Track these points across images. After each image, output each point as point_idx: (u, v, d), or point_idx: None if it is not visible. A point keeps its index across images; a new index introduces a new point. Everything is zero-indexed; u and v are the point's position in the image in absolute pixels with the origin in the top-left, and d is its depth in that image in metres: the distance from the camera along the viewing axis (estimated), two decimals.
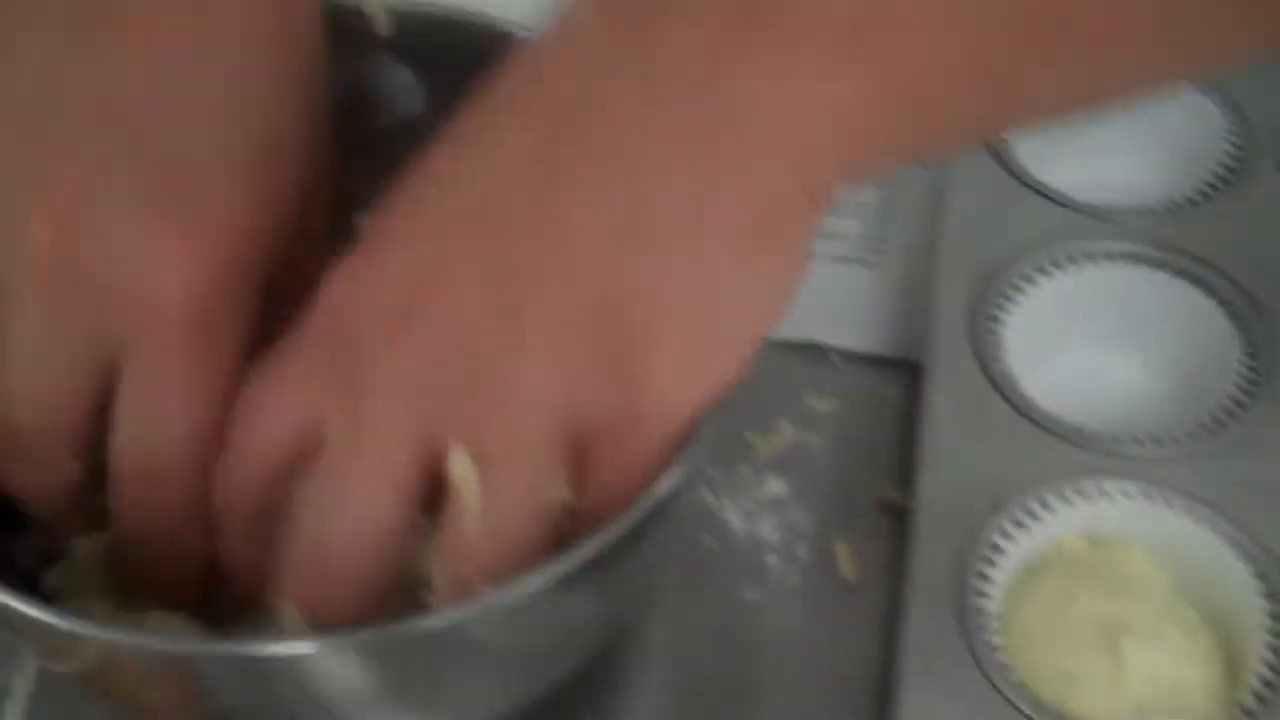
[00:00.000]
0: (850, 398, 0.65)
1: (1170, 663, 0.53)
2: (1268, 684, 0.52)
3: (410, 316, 0.38)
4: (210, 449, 0.42)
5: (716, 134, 0.37)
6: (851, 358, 0.67)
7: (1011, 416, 0.59)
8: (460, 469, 0.38)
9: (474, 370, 0.37)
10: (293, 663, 0.40)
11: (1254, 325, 0.62)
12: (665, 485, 0.41)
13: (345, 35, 0.51)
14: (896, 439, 0.62)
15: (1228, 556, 0.55)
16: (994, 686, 0.52)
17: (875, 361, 0.66)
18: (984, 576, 0.55)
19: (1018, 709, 0.51)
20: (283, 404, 0.40)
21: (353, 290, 0.39)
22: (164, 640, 0.43)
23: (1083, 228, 0.65)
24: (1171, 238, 0.65)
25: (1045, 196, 0.67)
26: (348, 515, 0.39)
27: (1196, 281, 0.64)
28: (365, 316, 0.38)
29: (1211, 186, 0.68)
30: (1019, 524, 0.56)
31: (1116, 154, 0.70)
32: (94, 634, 0.40)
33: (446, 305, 0.37)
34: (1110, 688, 0.52)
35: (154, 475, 0.43)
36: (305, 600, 0.40)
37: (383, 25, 0.53)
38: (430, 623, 0.39)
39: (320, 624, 0.40)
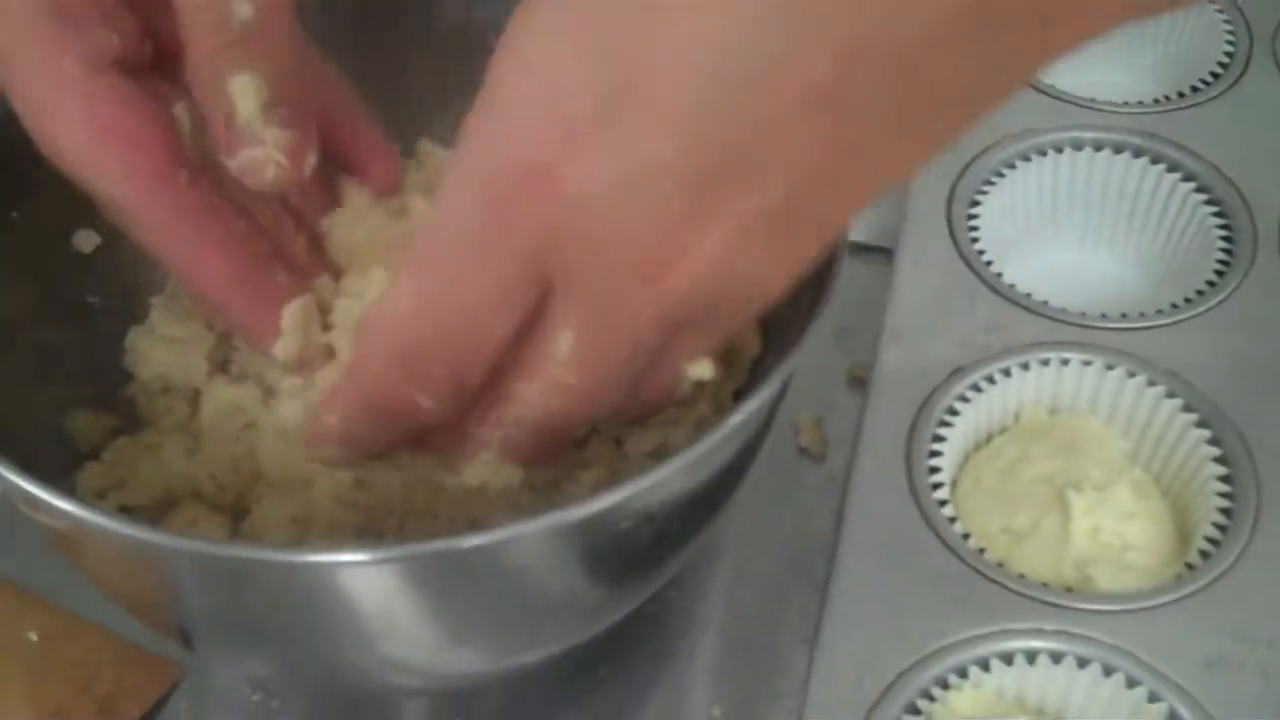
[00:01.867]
0: None
1: (1117, 519, 0.52)
2: (1214, 543, 0.52)
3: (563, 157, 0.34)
4: None
5: None
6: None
7: (978, 292, 0.59)
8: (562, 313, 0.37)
9: (611, 228, 0.35)
10: (270, 568, 0.39)
11: (1234, 212, 0.62)
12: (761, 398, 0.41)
13: None
14: (872, 323, 0.62)
15: (1184, 423, 0.55)
16: (938, 540, 0.52)
17: (856, 248, 0.66)
18: (938, 439, 0.55)
19: (964, 563, 0.51)
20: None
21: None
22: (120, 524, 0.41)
23: (1069, 119, 0.65)
24: (1156, 128, 0.65)
25: (1035, 89, 0.66)
26: (459, 310, 0.37)
27: (1177, 169, 0.63)
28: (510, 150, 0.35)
29: (1204, 83, 0.68)
30: (978, 390, 0.56)
31: (1111, 54, 0.70)
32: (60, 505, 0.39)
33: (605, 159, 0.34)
34: (1055, 544, 0.52)
35: None
36: (352, 423, 0.41)
37: None
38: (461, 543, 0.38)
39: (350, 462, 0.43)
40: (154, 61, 0.43)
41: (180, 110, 0.42)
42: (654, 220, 0.34)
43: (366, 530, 0.46)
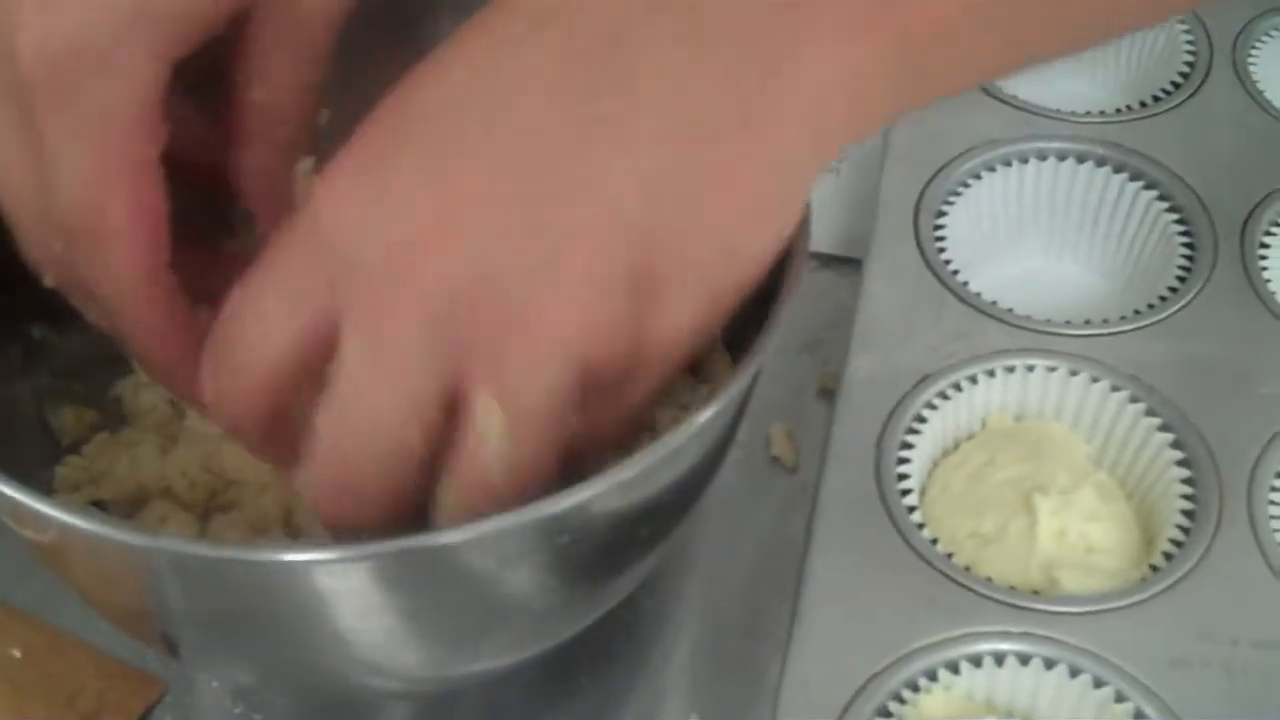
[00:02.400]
0: (801, 294, 0.66)
1: (1082, 522, 0.53)
2: (1178, 545, 0.53)
3: (435, 243, 0.36)
4: None
5: (750, 98, 0.38)
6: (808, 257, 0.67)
7: (945, 301, 0.60)
8: (485, 413, 0.38)
9: (502, 303, 0.37)
10: (259, 568, 0.40)
11: (1195, 219, 0.63)
12: (705, 414, 0.42)
13: None
14: (843, 333, 0.63)
15: (1147, 427, 0.56)
16: (906, 546, 0.53)
17: (828, 260, 0.68)
18: (907, 446, 0.56)
19: (932, 567, 0.52)
20: (289, 308, 0.39)
21: (368, 211, 0.37)
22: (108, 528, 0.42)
23: (1033, 129, 0.66)
24: (1119, 137, 0.66)
25: (999, 100, 0.68)
26: (371, 439, 0.38)
27: (1140, 178, 0.64)
28: (383, 239, 0.37)
29: (1166, 93, 0.69)
30: (945, 397, 0.57)
31: (1075, 65, 0.71)
32: (49, 512, 0.40)
33: (477, 234, 0.36)
34: (1022, 547, 0.53)
35: None
36: (328, 509, 0.40)
37: None
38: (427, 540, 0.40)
39: (340, 535, 0.41)
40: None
41: None
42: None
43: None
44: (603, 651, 0.56)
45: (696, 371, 0.52)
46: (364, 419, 0.38)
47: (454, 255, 0.36)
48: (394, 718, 0.55)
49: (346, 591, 0.42)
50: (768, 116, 0.38)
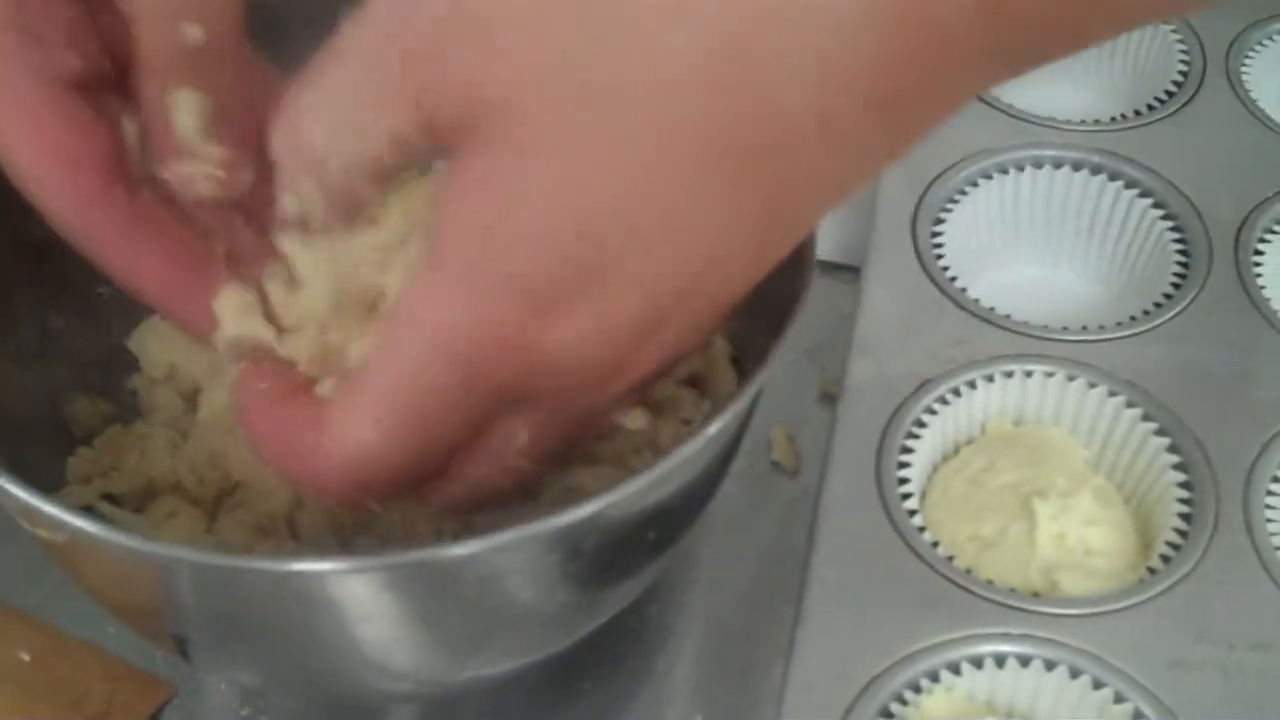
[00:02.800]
0: None
1: (1081, 526, 0.54)
2: (1175, 548, 0.53)
3: None
4: None
5: None
6: None
7: (943, 307, 0.61)
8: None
9: None
10: (273, 578, 0.41)
11: (1190, 226, 0.64)
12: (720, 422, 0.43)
13: None
14: (842, 339, 0.64)
15: (1144, 431, 0.56)
16: (907, 549, 0.53)
17: (827, 267, 0.68)
18: (907, 450, 0.56)
19: (933, 570, 0.53)
20: None
21: None
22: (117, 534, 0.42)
23: (1029, 137, 0.67)
24: (1113, 145, 0.67)
25: (995, 109, 0.68)
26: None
27: (1135, 185, 0.65)
28: None
29: (1160, 102, 0.69)
30: (945, 402, 0.58)
31: (1069, 74, 0.72)
32: (61, 517, 0.40)
33: None
34: (1021, 550, 0.54)
35: None
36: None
37: None
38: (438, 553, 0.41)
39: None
40: (113, 76, 0.44)
41: (128, 123, 0.43)
42: (612, 354, 0.37)
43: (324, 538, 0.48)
44: (607, 656, 0.56)
45: (700, 385, 0.52)
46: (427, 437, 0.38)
47: (548, 340, 0.36)
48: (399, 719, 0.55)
49: (356, 600, 0.42)
50: None
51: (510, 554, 0.41)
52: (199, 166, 0.43)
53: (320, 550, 0.49)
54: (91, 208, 0.42)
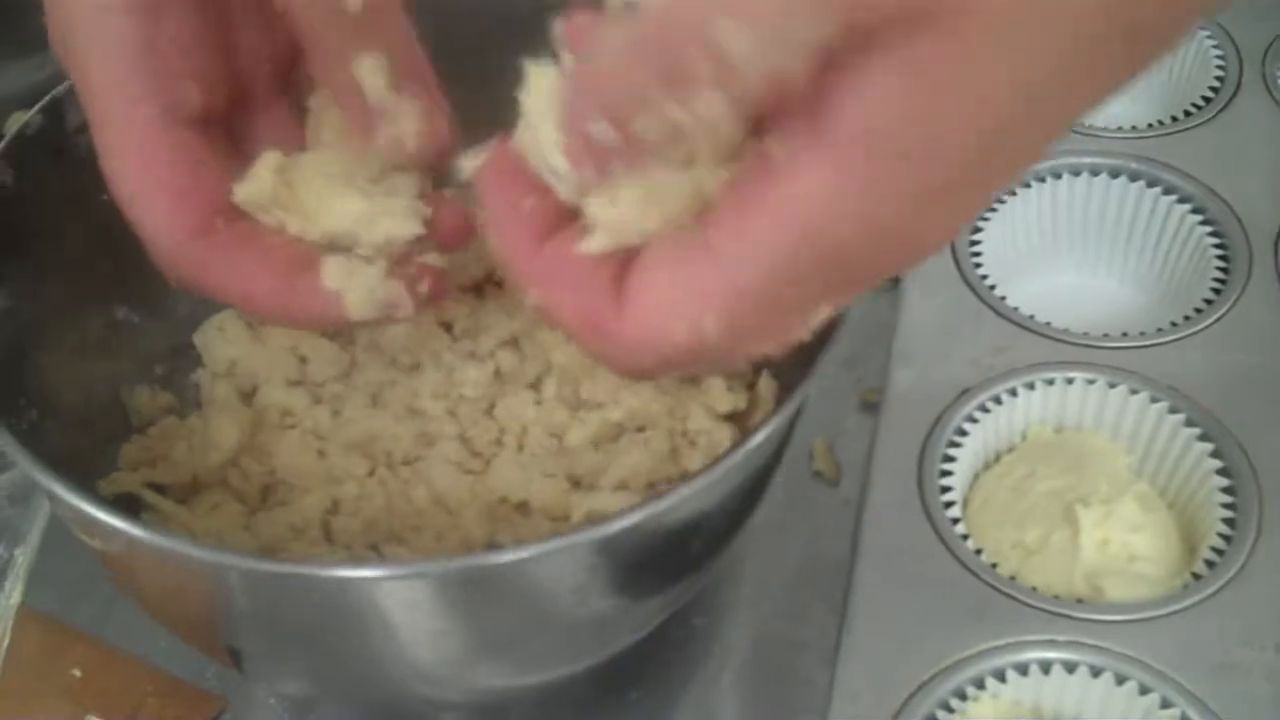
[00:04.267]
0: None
1: (1125, 532, 0.54)
2: (1219, 553, 0.53)
3: None
4: None
5: None
6: None
7: (983, 315, 0.61)
8: None
9: None
10: (331, 584, 0.41)
11: (1229, 231, 0.64)
12: (766, 431, 0.43)
13: None
14: (881, 349, 0.64)
15: (1186, 437, 0.56)
16: (951, 557, 0.53)
17: None
18: (949, 459, 0.56)
19: (977, 577, 0.53)
20: None
21: None
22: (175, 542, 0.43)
23: (1067, 145, 0.67)
24: (1151, 152, 0.67)
25: None
26: None
27: (1173, 191, 0.65)
28: None
29: (1196, 108, 0.70)
30: (985, 410, 0.58)
31: None
32: (122, 527, 0.41)
33: None
34: (1065, 557, 0.54)
35: None
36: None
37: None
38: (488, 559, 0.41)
39: None
40: (226, 111, 0.45)
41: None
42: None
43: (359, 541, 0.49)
44: (653, 666, 0.57)
45: (741, 423, 0.54)
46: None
47: None
48: None
49: (404, 606, 0.43)
50: None
51: (555, 562, 0.42)
52: (404, 123, 0.44)
53: (355, 555, 0.50)
54: (193, 240, 0.43)
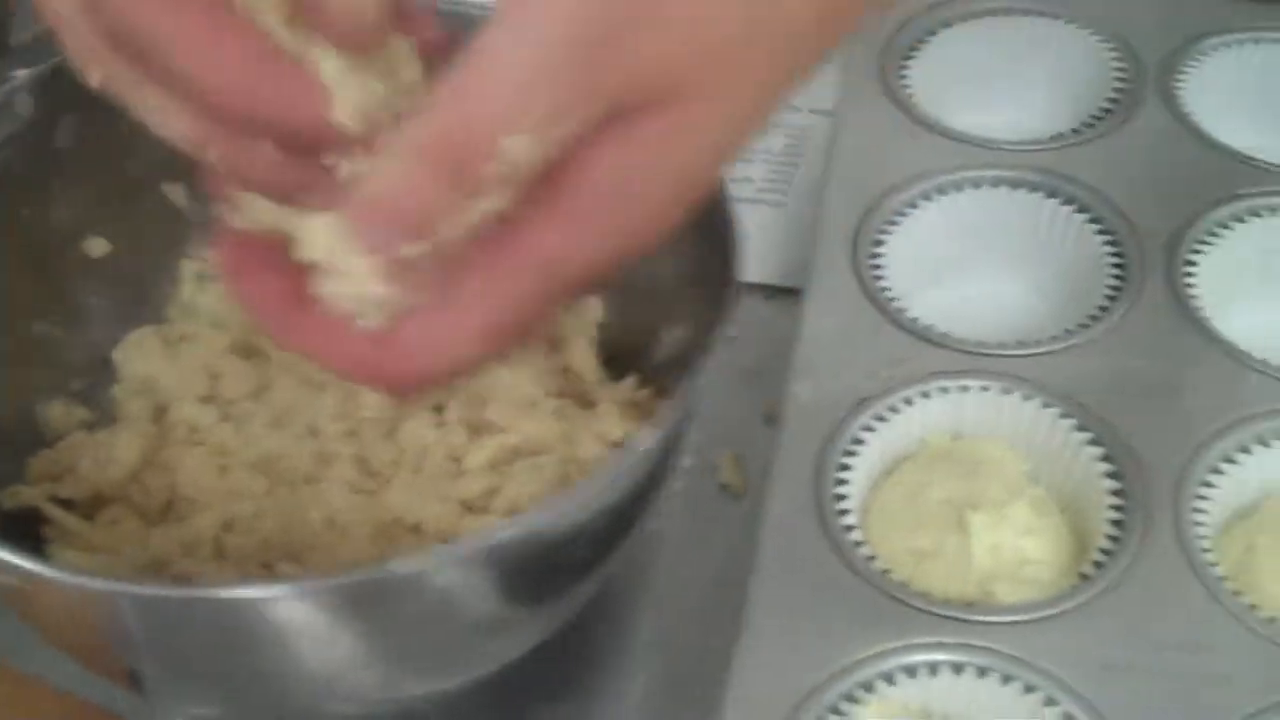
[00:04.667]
0: (747, 325, 0.69)
1: (1016, 536, 0.55)
2: (1108, 554, 0.54)
3: None
4: None
5: None
6: (751, 289, 0.70)
7: (881, 328, 0.62)
8: None
9: None
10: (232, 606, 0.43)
11: (1125, 240, 0.65)
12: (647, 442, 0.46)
13: None
14: (786, 362, 0.65)
15: (1078, 442, 0.57)
16: (845, 565, 0.54)
17: (773, 291, 0.70)
18: (846, 468, 0.57)
19: (869, 583, 0.54)
20: None
21: None
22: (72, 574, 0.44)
23: (967, 158, 0.68)
24: (1053, 164, 0.68)
25: (934, 131, 0.70)
26: None
27: (1072, 202, 0.66)
28: None
29: (1097, 119, 0.71)
30: (883, 420, 0.59)
31: (1006, 94, 0.74)
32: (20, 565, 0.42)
33: None
34: (957, 562, 0.55)
35: None
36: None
37: None
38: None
39: None
40: None
41: None
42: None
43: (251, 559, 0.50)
44: (557, 678, 0.57)
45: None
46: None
47: None
48: None
49: (284, 624, 0.44)
50: None
51: (443, 571, 0.43)
52: None
53: (244, 573, 0.51)
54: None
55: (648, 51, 0.35)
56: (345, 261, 0.37)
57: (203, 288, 0.62)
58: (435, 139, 0.35)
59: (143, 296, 0.61)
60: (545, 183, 0.37)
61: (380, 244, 0.36)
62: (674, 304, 0.56)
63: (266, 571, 0.51)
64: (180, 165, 0.60)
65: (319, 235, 0.37)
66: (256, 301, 0.41)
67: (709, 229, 0.51)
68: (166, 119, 0.41)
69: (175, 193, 0.61)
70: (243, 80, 0.38)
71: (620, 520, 0.48)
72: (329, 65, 0.39)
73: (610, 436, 0.54)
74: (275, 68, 0.38)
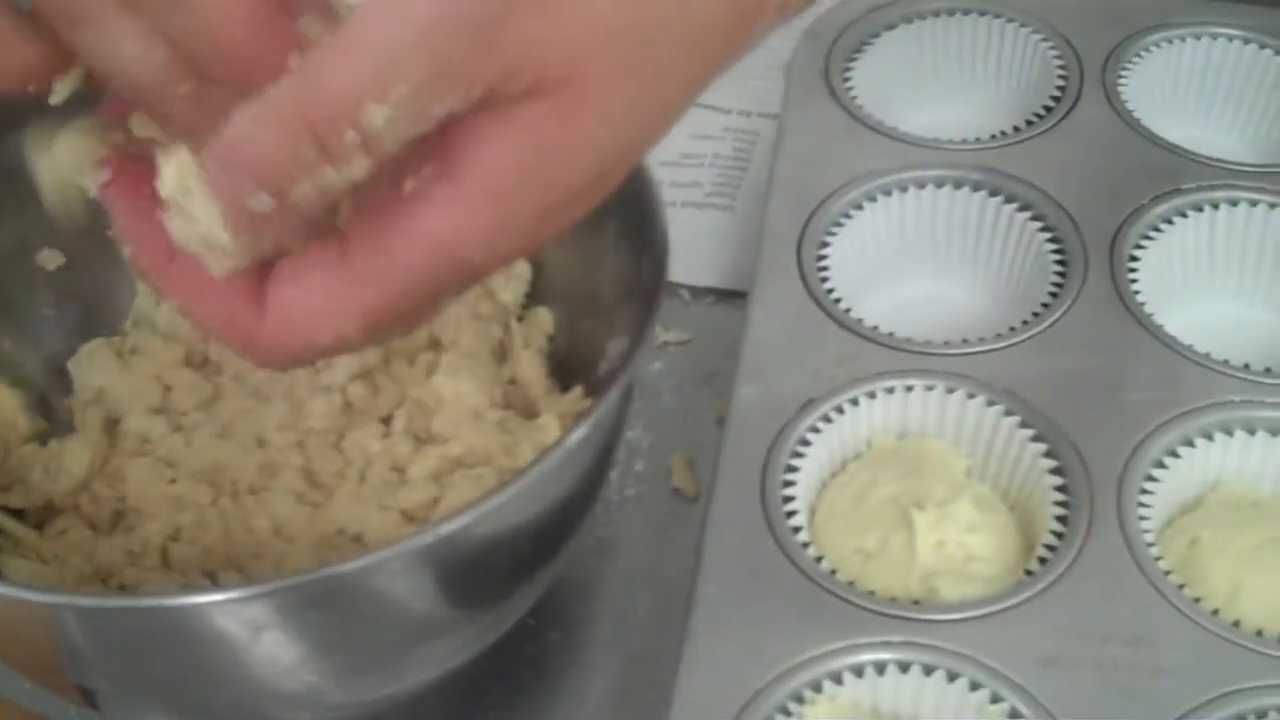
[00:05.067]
0: (700, 330, 0.69)
1: (960, 533, 0.56)
2: (1052, 550, 0.55)
3: None
4: None
5: None
6: (701, 293, 0.70)
7: (827, 329, 0.62)
8: None
9: None
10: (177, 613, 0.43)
11: (1067, 238, 0.65)
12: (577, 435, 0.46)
13: None
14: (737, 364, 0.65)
15: (1022, 438, 0.58)
16: (791, 565, 0.55)
17: (723, 295, 0.70)
18: (792, 469, 0.58)
19: (815, 583, 0.54)
20: None
21: None
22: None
23: (910, 159, 0.69)
24: (995, 163, 0.68)
25: (878, 132, 0.70)
26: None
27: (1015, 200, 0.67)
28: None
29: (1039, 117, 0.71)
30: (828, 420, 0.59)
31: (948, 94, 0.74)
32: None
33: None
34: (902, 561, 0.55)
35: None
36: None
37: None
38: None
39: None
40: None
41: None
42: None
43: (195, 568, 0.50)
44: (511, 683, 0.58)
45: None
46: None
47: None
48: None
49: (235, 629, 0.44)
50: None
51: (383, 569, 0.44)
52: None
53: (189, 582, 0.51)
54: None
55: (532, 37, 0.35)
56: (190, 202, 0.37)
57: (157, 301, 0.62)
58: (292, 98, 0.35)
59: (97, 309, 0.62)
60: (437, 163, 0.36)
61: (224, 188, 0.36)
62: (615, 314, 0.57)
63: (210, 580, 0.51)
64: None
65: (171, 170, 0.37)
66: (139, 239, 0.40)
67: (643, 236, 0.51)
68: (119, 55, 0.38)
69: None
70: (251, 45, 0.38)
71: (558, 521, 0.49)
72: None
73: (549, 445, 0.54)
74: (279, 29, 0.38)
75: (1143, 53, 0.74)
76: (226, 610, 0.43)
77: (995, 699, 0.51)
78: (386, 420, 0.58)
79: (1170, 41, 0.74)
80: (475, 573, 0.47)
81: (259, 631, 0.44)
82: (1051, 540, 0.55)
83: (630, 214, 0.53)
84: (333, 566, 0.43)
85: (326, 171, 0.35)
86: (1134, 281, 0.63)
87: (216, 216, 0.36)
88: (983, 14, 0.75)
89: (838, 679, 0.52)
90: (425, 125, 0.35)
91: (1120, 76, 0.72)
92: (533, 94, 0.36)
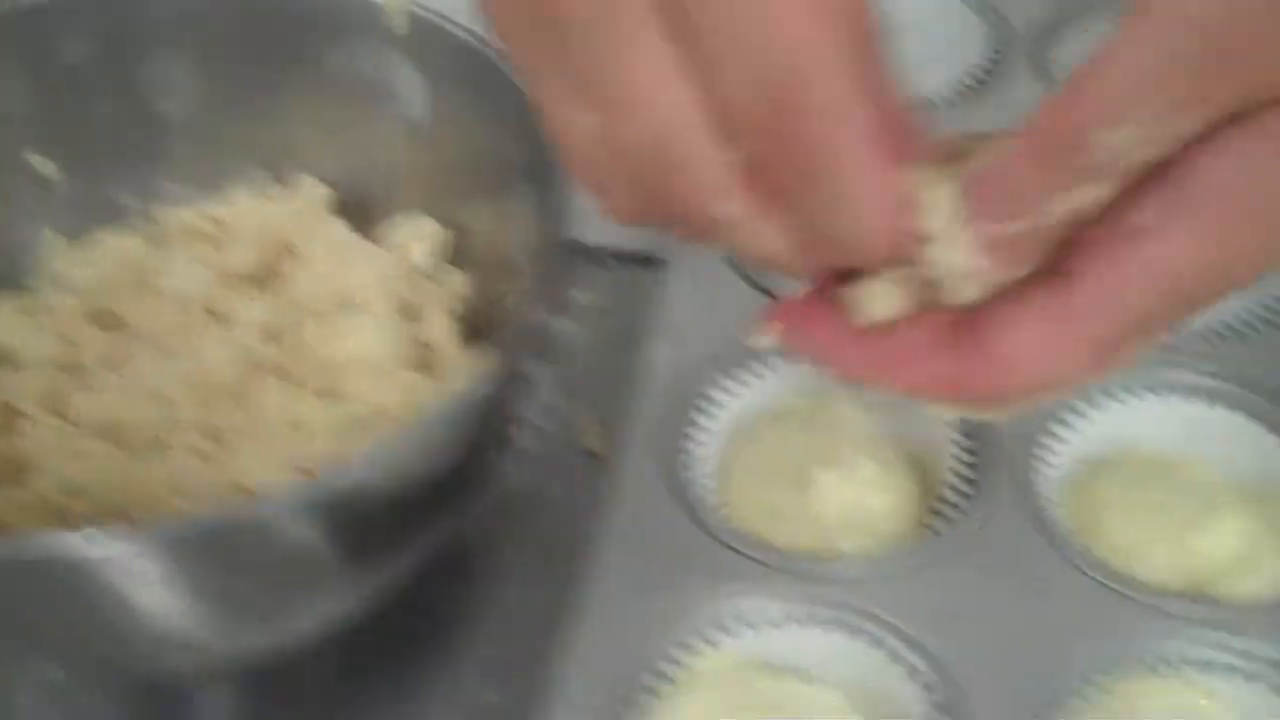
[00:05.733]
0: (619, 293, 0.69)
1: (861, 490, 0.55)
2: (955, 506, 0.55)
3: None
4: None
5: None
6: (626, 256, 0.70)
7: (741, 290, 0.62)
8: None
9: None
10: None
11: None
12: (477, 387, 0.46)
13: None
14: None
15: None
16: (695, 523, 0.54)
17: (640, 259, 0.70)
18: (701, 427, 0.58)
19: (719, 541, 0.54)
20: None
21: None
22: None
23: None
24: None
25: None
26: None
27: None
28: None
29: (969, 89, 0.71)
30: (742, 382, 0.59)
31: None
32: None
33: None
34: (806, 519, 0.55)
35: None
36: None
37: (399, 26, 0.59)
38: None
39: None
40: None
41: None
42: None
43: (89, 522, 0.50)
44: (408, 638, 0.58)
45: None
46: None
47: None
48: (207, 705, 0.56)
49: (114, 575, 0.44)
50: None
51: (273, 519, 0.44)
52: None
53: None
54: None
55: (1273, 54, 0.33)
56: (952, 231, 0.36)
57: (64, 257, 0.62)
58: (1039, 128, 0.34)
59: (5, 266, 0.61)
60: (1167, 189, 0.35)
61: (977, 214, 0.35)
62: (528, 277, 0.56)
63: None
64: (46, 136, 0.62)
65: (941, 202, 0.36)
66: (836, 353, 0.41)
67: (550, 198, 0.51)
68: (760, 250, 0.39)
69: (41, 164, 0.61)
70: (890, 239, 0.37)
71: (449, 475, 0.48)
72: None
73: None
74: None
75: (1077, 31, 0.74)
76: (99, 557, 0.43)
77: (892, 654, 0.50)
78: (293, 378, 0.57)
79: (1105, 20, 0.74)
80: (362, 524, 0.46)
81: (135, 578, 0.44)
82: (953, 498, 0.55)
83: (538, 176, 0.52)
84: (201, 515, 0.43)
85: (1068, 192, 0.34)
86: None
87: (971, 244, 0.36)
88: None
89: (730, 631, 0.51)
90: (1169, 148, 0.34)
91: (1054, 53, 0.72)
92: (1272, 105, 0.33)
